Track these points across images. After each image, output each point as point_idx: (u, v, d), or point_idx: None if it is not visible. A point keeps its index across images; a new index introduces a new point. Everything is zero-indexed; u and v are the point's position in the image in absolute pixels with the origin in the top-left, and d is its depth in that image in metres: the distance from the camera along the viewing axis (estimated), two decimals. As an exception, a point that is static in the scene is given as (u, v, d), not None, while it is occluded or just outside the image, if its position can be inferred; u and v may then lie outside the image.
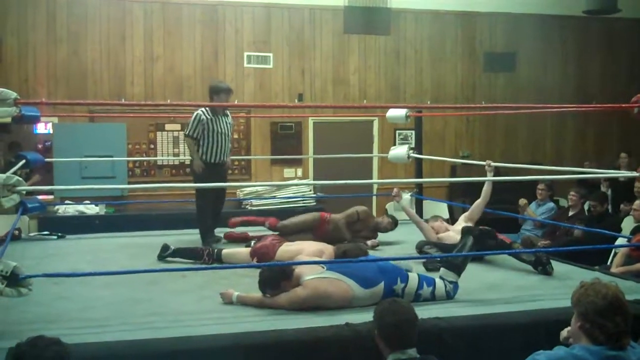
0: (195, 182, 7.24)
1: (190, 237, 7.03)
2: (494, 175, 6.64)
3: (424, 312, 4.13)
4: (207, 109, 6.96)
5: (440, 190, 11.40)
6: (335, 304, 4.44)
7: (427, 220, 7.05)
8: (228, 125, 7.09)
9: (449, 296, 4.68)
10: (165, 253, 6.13)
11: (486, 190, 6.65)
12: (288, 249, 5.81)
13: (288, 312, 4.39)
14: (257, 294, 4.61)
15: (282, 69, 11.36)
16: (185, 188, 9.43)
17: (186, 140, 7.08)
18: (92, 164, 9.44)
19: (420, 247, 6.34)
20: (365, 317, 3.90)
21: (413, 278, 4.65)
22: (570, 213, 8.32)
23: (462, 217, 6.82)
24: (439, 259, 5.67)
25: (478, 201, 6.69)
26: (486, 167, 6.68)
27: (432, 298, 4.63)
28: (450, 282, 4.71)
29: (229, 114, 7.23)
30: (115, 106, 10.38)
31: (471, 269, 5.33)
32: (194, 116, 6.96)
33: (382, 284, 4.51)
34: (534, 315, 4.31)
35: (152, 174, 10.84)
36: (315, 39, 11.50)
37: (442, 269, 4.81)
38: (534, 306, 4.46)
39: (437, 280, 4.72)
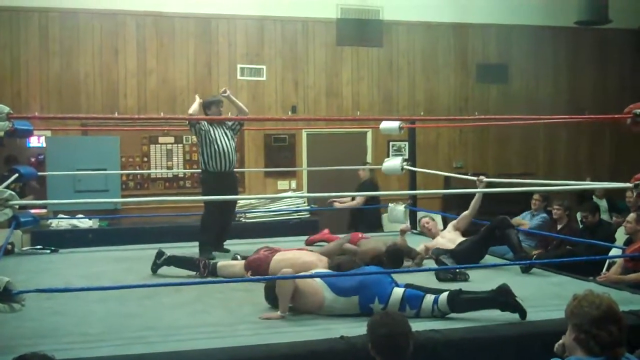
0: (204, 192, 7.41)
1: (184, 250, 6.99)
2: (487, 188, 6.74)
3: (419, 324, 4.13)
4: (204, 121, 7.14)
5: (434, 202, 11.41)
6: (308, 294, 4.62)
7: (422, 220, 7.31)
8: (229, 132, 7.18)
9: (435, 316, 4.51)
10: (160, 260, 6.09)
11: (475, 202, 6.87)
12: (282, 257, 5.78)
13: (282, 326, 4.38)
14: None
15: (275, 81, 11.37)
16: (178, 201, 9.44)
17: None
18: (86, 178, 9.41)
19: (437, 255, 6.30)
20: (360, 330, 3.88)
21: (395, 299, 4.51)
22: (559, 226, 8.31)
23: (450, 225, 7.04)
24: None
25: (466, 212, 6.96)
26: (477, 182, 6.82)
27: (416, 317, 4.46)
28: (440, 310, 4.49)
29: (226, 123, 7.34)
30: (108, 119, 10.38)
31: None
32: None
33: (356, 298, 4.56)
34: (528, 327, 4.30)
35: (146, 187, 10.81)
36: (308, 51, 11.52)
37: (442, 295, 4.53)
38: (529, 318, 4.43)
39: (426, 300, 4.52)
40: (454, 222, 7.01)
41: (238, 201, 10.07)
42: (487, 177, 7.31)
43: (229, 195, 7.09)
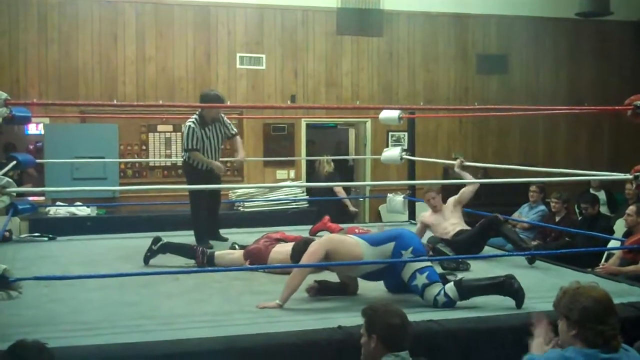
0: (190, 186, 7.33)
1: (182, 239, 6.98)
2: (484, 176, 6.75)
3: (417, 314, 4.13)
4: (196, 120, 7.00)
5: (432, 192, 11.37)
6: (347, 253, 4.70)
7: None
8: (219, 131, 7.15)
9: (435, 304, 4.53)
10: (156, 245, 6.07)
11: (469, 183, 6.95)
12: (281, 249, 5.79)
13: (280, 315, 4.38)
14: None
15: (274, 70, 11.33)
16: (177, 190, 9.43)
17: (192, 155, 7.05)
18: (84, 165, 9.39)
19: (433, 244, 6.29)
20: (358, 320, 3.88)
21: (420, 262, 4.64)
22: (557, 218, 8.32)
23: (451, 200, 6.97)
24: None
25: (468, 187, 6.93)
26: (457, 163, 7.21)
27: (421, 293, 4.56)
28: (446, 296, 4.52)
29: (222, 116, 7.26)
30: (107, 107, 10.34)
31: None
32: (187, 130, 7.05)
33: (392, 244, 4.67)
34: (527, 317, 4.28)
35: (144, 176, 10.78)
36: (308, 40, 11.48)
37: (448, 284, 4.58)
38: (527, 308, 4.43)
39: (436, 285, 4.58)
40: (456, 196, 6.97)
41: (236, 190, 10.12)
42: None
43: (214, 183, 7.13)
